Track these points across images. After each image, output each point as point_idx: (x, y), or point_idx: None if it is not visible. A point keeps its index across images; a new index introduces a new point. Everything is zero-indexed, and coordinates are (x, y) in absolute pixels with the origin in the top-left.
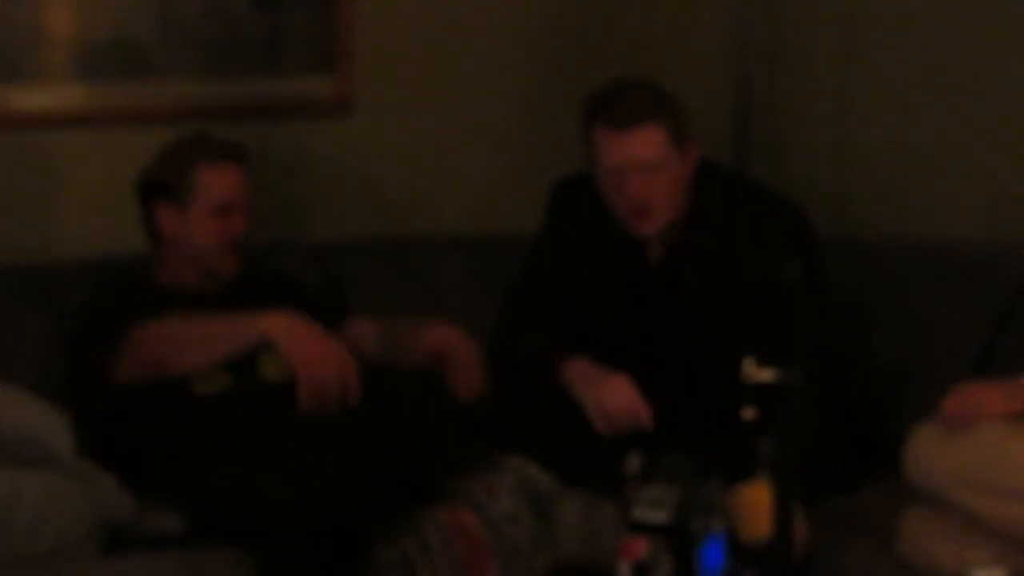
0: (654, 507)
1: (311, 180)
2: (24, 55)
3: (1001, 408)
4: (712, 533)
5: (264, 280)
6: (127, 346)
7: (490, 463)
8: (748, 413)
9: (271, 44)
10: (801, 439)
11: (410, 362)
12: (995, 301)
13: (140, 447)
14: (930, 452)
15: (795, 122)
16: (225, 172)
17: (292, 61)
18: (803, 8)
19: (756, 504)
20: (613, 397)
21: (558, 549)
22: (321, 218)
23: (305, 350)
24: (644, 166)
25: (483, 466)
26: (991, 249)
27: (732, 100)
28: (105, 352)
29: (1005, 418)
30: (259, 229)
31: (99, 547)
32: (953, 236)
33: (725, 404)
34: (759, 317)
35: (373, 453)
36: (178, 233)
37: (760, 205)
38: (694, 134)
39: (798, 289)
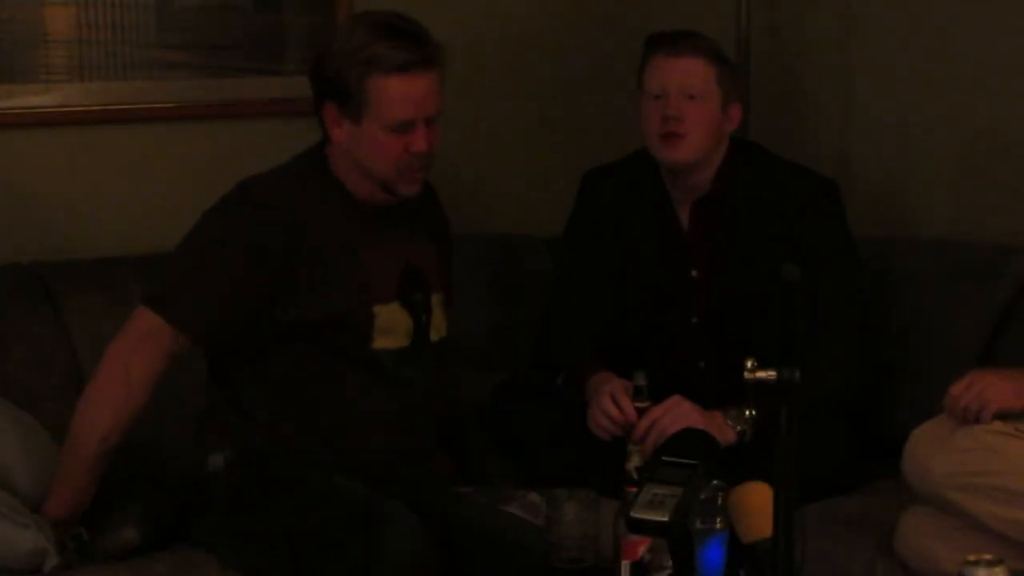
0: (654, 507)
1: None
2: (24, 55)
3: (1008, 404)
4: (712, 533)
5: (429, 211)
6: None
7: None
8: (747, 413)
9: (271, 44)
10: (802, 438)
11: None
12: (995, 301)
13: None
14: (928, 455)
15: (796, 132)
16: (409, 85)
17: (292, 61)
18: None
19: (756, 504)
20: (599, 407)
21: (558, 549)
22: None
23: None
24: (687, 91)
25: None
26: (991, 249)
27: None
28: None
29: (1003, 421)
30: None
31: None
32: (953, 236)
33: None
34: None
35: None
36: (345, 144)
37: (792, 178)
38: (740, 99)
39: (797, 289)
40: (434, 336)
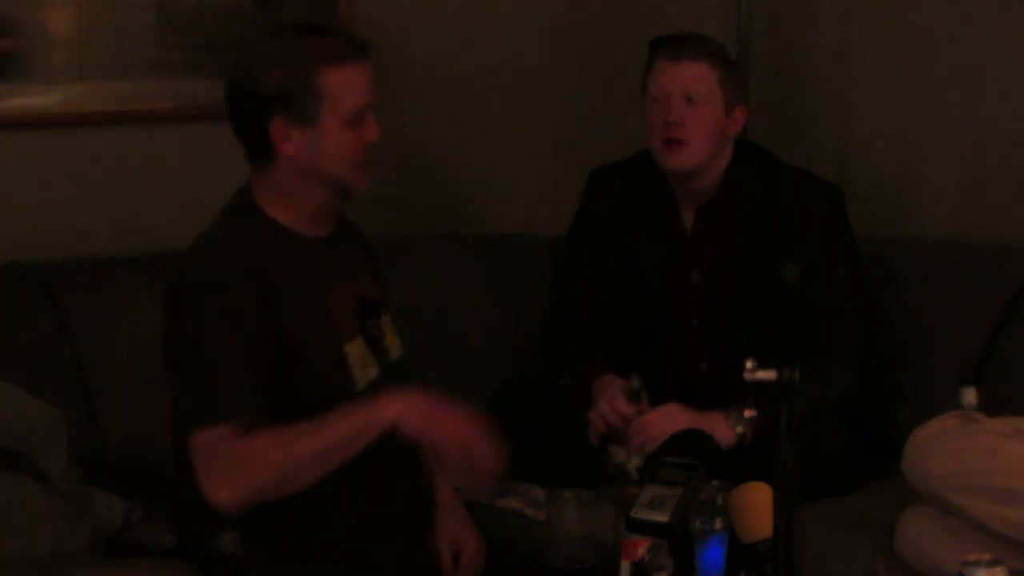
0: (654, 507)
1: None
2: (24, 55)
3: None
4: (712, 533)
5: (353, 235)
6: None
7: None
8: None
9: None
10: (801, 438)
11: None
12: (995, 301)
13: None
14: (928, 455)
15: (796, 133)
16: (360, 72)
17: None
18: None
19: (756, 504)
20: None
21: (557, 549)
22: None
23: (445, 430)
24: (689, 95)
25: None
26: (992, 249)
27: None
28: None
29: (1004, 420)
30: None
31: (97, 555)
32: (954, 236)
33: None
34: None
35: None
36: (299, 157)
37: (797, 183)
38: (744, 101)
39: (797, 289)
40: (393, 356)
